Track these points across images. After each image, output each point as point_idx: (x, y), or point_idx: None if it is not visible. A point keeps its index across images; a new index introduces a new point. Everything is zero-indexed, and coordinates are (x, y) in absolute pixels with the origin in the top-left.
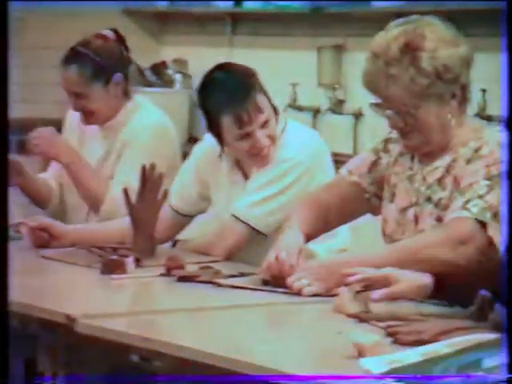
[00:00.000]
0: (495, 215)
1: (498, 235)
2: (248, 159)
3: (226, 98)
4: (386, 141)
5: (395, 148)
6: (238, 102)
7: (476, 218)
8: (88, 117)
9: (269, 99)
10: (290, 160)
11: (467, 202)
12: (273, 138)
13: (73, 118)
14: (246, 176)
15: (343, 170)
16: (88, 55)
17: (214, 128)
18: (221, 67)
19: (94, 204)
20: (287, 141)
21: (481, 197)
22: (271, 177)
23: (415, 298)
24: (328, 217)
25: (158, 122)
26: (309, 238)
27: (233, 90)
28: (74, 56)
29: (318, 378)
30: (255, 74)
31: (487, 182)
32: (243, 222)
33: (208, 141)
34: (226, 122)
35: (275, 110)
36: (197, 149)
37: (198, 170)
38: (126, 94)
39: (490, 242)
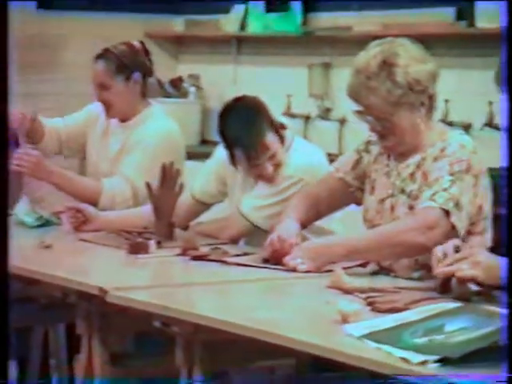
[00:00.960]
0: (457, 205)
1: (458, 222)
2: (255, 179)
3: (238, 135)
4: (367, 143)
5: (375, 149)
6: (249, 142)
7: (441, 207)
8: (108, 109)
9: (276, 129)
10: (293, 177)
11: (434, 194)
12: (278, 165)
13: (102, 111)
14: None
15: (333, 169)
16: (114, 53)
17: (228, 151)
18: (239, 101)
19: (92, 202)
20: (292, 159)
21: (445, 190)
22: (275, 190)
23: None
24: (319, 207)
25: (166, 130)
26: (303, 225)
27: (245, 131)
28: (103, 54)
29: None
30: (266, 110)
31: (451, 178)
32: (247, 219)
33: None
34: (237, 153)
35: (283, 127)
36: (218, 152)
37: (218, 171)
38: (144, 96)
39: (453, 227)
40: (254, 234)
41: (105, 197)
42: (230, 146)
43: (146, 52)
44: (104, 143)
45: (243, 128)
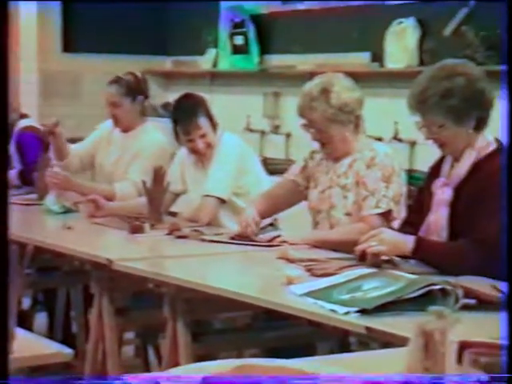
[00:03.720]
0: (393, 201)
1: (396, 214)
2: (193, 154)
3: (179, 116)
4: (312, 152)
5: (317, 156)
6: (185, 121)
7: (386, 210)
8: (117, 121)
9: (210, 119)
10: (225, 153)
11: (378, 202)
12: (209, 145)
13: (107, 129)
14: (203, 165)
15: (286, 174)
16: (125, 80)
17: (174, 131)
18: (184, 96)
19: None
20: (223, 142)
21: (385, 196)
22: (219, 165)
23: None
24: (277, 203)
25: (159, 141)
26: (262, 215)
27: (183, 113)
28: (115, 80)
29: None
30: (203, 103)
31: (384, 184)
32: (212, 196)
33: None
34: (179, 130)
35: (215, 126)
36: (179, 152)
37: (180, 165)
38: (143, 114)
39: (393, 218)
40: (224, 208)
41: (118, 198)
42: (174, 125)
43: (145, 81)
44: (107, 150)
45: (182, 112)
